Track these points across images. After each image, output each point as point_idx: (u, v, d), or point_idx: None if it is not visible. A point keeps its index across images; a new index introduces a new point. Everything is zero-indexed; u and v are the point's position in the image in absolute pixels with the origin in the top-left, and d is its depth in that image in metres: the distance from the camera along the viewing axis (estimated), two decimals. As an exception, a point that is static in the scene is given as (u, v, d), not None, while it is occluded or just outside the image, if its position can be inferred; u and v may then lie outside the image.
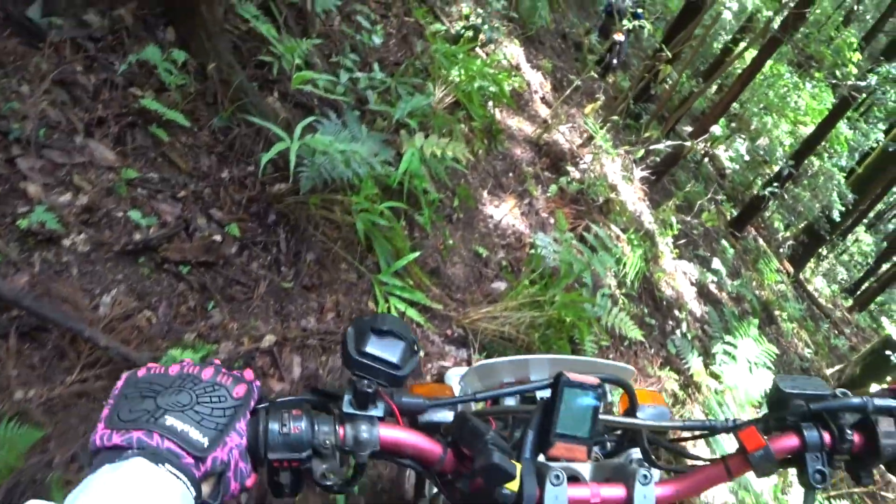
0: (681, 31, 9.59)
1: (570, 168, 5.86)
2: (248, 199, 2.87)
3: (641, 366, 4.55)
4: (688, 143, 7.11)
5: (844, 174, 13.56)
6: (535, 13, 8.98)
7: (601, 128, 6.14)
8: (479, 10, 6.77)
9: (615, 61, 11.48)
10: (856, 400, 0.86)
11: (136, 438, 0.61)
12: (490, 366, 1.17)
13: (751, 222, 12.22)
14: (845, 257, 19.68)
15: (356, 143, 2.76)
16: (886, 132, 11.84)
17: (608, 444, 1.04)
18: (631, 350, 4.59)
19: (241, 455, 0.68)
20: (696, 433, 0.99)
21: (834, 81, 8.54)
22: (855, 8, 14.63)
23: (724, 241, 10.03)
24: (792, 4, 7.56)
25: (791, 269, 13.16)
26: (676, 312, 5.88)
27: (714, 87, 8.74)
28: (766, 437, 0.85)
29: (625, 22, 9.34)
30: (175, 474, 0.60)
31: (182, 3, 2.88)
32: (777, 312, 9.74)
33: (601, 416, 0.85)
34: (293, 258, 2.89)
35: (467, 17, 6.09)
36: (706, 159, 11.10)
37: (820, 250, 15.50)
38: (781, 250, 14.92)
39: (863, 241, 19.46)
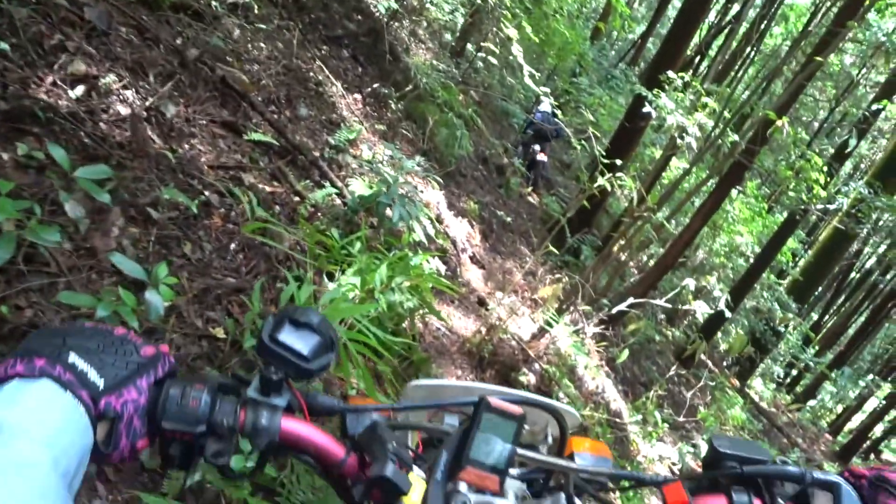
0: (621, 151, 8.33)
1: (522, 376, 4.08)
2: None
3: None
4: (659, 302, 5.55)
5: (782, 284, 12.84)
6: (454, 143, 7.47)
7: (559, 314, 4.45)
8: (389, 153, 5.10)
9: (539, 180, 10.65)
10: (793, 469, 0.78)
11: (39, 367, 0.61)
12: (428, 387, 1.04)
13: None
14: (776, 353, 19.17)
15: None
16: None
17: (536, 485, 0.91)
18: None
19: (137, 413, 0.66)
20: (624, 483, 0.88)
21: (804, 207, 7.33)
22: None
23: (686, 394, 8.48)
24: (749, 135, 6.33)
25: (738, 384, 12.69)
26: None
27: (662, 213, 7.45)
28: (691, 497, 0.79)
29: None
30: (77, 402, 0.61)
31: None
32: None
33: (522, 452, 0.81)
34: None
35: (376, 167, 4.35)
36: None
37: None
38: (725, 363, 14.35)
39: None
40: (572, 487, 0.85)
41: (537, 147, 10.44)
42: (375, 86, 6.64)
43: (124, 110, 2.77)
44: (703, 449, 7.07)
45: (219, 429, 0.69)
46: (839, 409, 19.62)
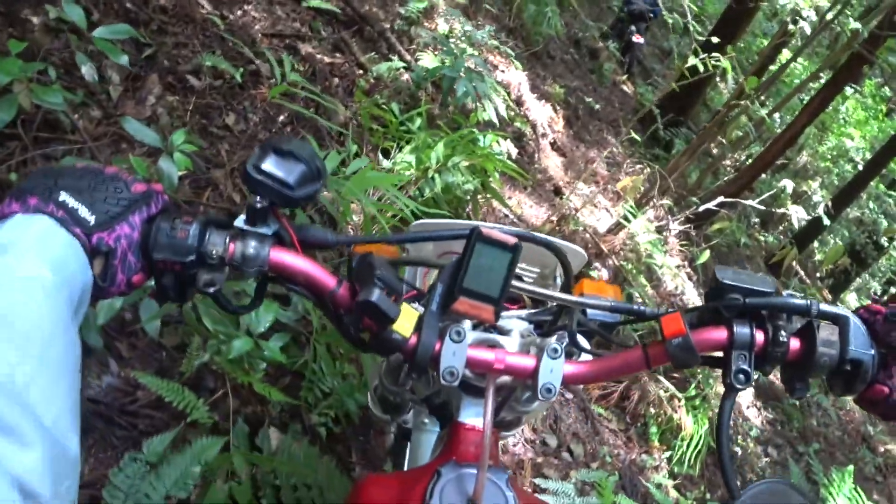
0: (727, 37, 7.52)
1: (593, 271, 3.85)
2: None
3: None
4: (750, 202, 5.12)
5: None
6: (542, 22, 6.91)
7: (639, 210, 4.12)
8: (465, 28, 4.72)
9: (634, 64, 9.98)
10: (798, 301, 0.73)
11: (33, 204, 0.62)
12: (433, 224, 1.07)
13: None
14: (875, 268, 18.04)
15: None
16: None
17: (544, 326, 0.88)
18: None
19: (130, 247, 0.67)
20: (623, 317, 0.87)
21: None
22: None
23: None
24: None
25: (829, 297, 11.79)
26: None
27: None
28: (691, 329, 0.73)
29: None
30: (72, 237, 0.62)
31: None
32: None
33: (518, 284, 0.79)
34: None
35: (445, 41, 4.02)
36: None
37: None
38: (818, 274, 13.51)
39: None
40: (575, 324, 0.82)
41: (633, 28, 9.60)
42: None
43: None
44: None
45: (209, 258, 0.69)
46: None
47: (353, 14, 3.61)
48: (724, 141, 6.63)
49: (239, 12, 2.83)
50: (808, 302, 0.73)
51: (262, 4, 3.01)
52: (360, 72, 3.37)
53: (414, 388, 0.89)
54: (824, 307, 0.73)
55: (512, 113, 5.07)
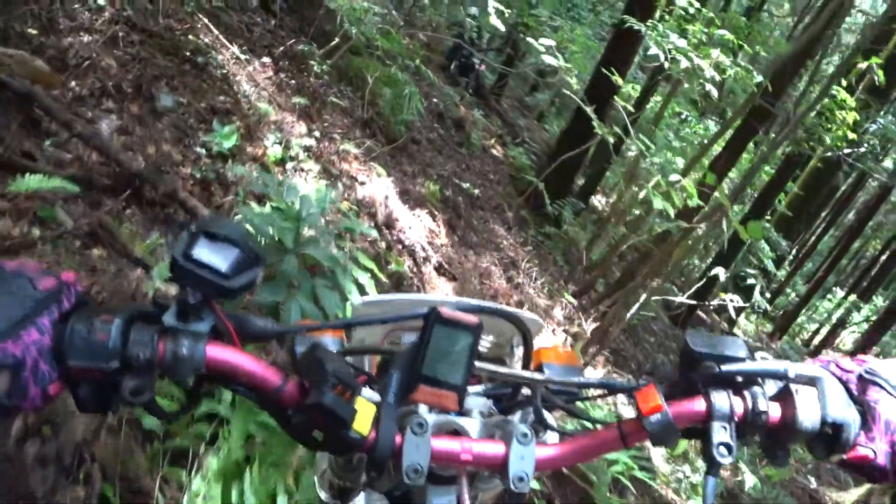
0: (601, 98, 6.80)
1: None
2: None
3: None
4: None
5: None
6: (403, 105, 5.83)
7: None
8: (307, 139, 3.50)
9: (477, 85, 9.80)
10: (773, 365, 0.70)
11: None
12: (379, 302, 1.00)
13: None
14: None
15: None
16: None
17: (504, 401, 0.85)
18: None
19: (42, 355, 0.57)
20: (594, 393, 0.81)
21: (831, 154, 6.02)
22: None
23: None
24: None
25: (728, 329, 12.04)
26: None
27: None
28: (667, 402, 0.69)
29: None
30: None
31: None
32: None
33: (482, 365, 0.74)
34: None
35: (276, 187, 2.74)
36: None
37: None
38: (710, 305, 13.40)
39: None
40: (540, 400, 0.79)
41: (474, 59, 9.51)
42: (291, 42, 4.94)
43: None
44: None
45: (134, 362, 0.59)
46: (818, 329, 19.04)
47: (123, 173, 2.29)
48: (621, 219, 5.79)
49: None
50: (784, 366, 0.70)
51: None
52: (140, 270, 2.04)
53: (372, 483, 0.72)
54: (800, 369, 0.70)
55: (382, 246, 3.88)
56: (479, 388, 0.84)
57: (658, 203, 3.75)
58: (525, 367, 0.83)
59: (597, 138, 5.14)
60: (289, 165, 3.41)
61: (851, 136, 5.58)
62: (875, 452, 0.66)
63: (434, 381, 0.67)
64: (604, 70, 6.90)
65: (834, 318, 18.55)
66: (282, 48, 4.81)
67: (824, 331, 18.14)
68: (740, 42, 4.63)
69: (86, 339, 0.58)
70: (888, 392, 0.68)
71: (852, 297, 17.69)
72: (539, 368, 0.84)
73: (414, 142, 6.35)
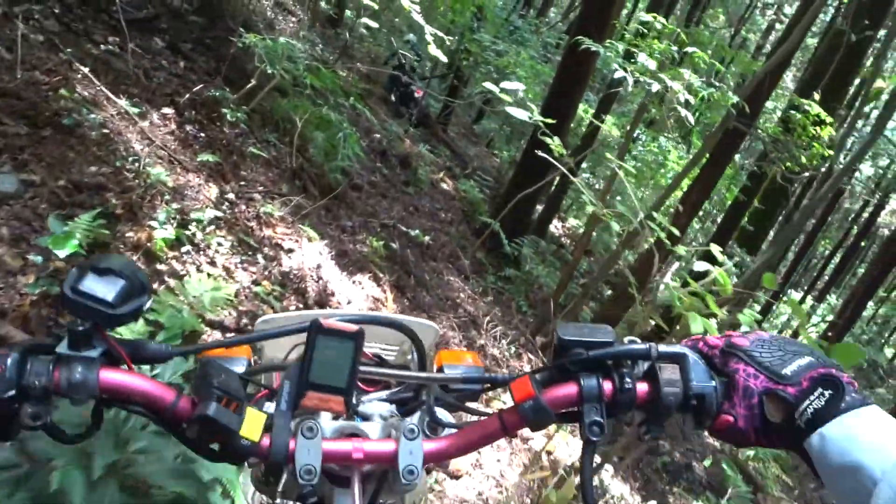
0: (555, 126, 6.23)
1: None
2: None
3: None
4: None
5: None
6: (337, 149, 5.14)
7: None
8: (208, 215, 2.79)
9: (418, 113, 9.14)
10: (637, 346, 0.74)
11: None
12: (275, 319, 1.00)
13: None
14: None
15: None
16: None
17: (408, 404, 0.90)
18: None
19: None
20: (476, 386, 0.86)
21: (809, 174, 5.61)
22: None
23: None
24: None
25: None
26: None
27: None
28: (541, 389, 0.74)
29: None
30: None
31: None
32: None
33: (366, 369, 0.79)
34: None
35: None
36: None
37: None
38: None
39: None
40: (432, 399, 0.83)
41: (411, 86, 8.95)
42: (201, 87, 4.21)
43: None
44: None
45: (32, 391, 0.63)
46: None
47: None
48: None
49: None
50: (648, 346, 0.73)
51: None
52: None
53: (285, 491, 0.83)
54: (663, 348, 0.74)
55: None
56: (382, 393, 0.89)
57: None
58: (421, 368, 0.89)
59: (556, 172, 4.53)
60: (185, 249, 2.67)
61: (828, 152, 5.12)
62: (735, 417, 0.70)
63: (320, 387, 0.72)
64: (556, 94, 6.36)
65: (794, 324, 18.38)
66: (188, 95, 4.08)
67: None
68: (712, 60, 4.09)
69: None
70: (745, 361, 0.71)
71: (809, 300, 17.61)
72: (440, 370, 0.88)
73: (354, 188, 5.66)
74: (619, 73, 3.65)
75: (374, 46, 10.42)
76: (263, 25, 6.37)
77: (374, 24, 5.42)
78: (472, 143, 12.61)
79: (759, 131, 4.78)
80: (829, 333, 14.64)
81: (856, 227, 18.99)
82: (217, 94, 4.23)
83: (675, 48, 3.98)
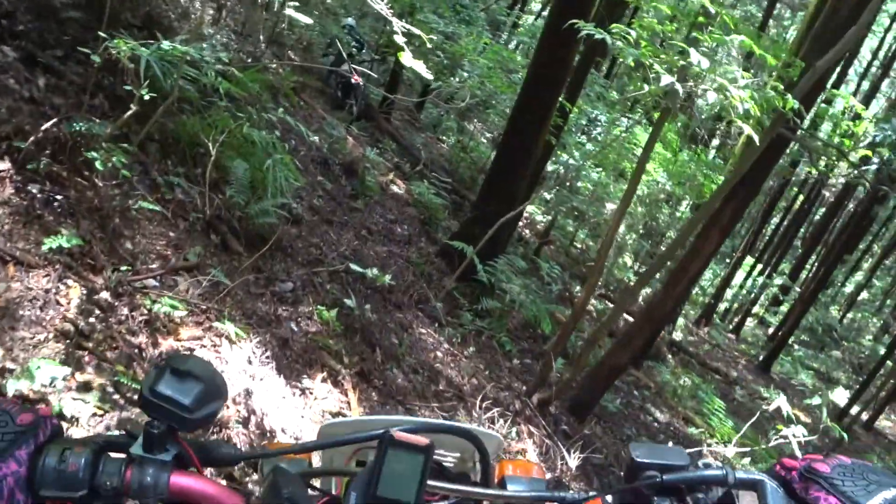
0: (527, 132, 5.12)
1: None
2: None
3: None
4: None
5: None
6: (267, 179, 3.87)
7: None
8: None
9: (360, 105, 7.94)
10: (714, 472, 0.70)
11: None
12: (342, 424, 1.02)
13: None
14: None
15: None
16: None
17: None
18: None
19: (18, 485, 0.60)
20: None
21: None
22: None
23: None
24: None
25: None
26: None
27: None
28: None
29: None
30: None
31: None
32: None
33: (435, 483, 0.75)
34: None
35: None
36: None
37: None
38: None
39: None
40: None
41: (349, 72, 7.61)
42: (59, 120, 2.87)
43: None
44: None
45: (103, 491, 0.62)
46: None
47: None
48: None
49: None
50: (725, 471, 0.70)
51: None
52: None
53: None
54: (740, 475, 0.70)
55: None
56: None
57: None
58: (484, 481, 0.86)
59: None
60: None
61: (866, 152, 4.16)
62: None
63: (388, 502, 0.67)
64: (534, 82, 5.20)
65: (751, 294, 18.04)
66: (40, 132, 2.76)
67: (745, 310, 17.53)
68: (765, 54, 3.01)
69: (56, 469, 0.60)
70: (827, 490, 0.68)
71: (759, 268, 17.31)
72: (502, 482, 0.87)
73: (294, 222, 4.41)
74: (665, 80, 2.52)
75: (306, 31, 9.01)
76: (175, 16, 4.94)
77: (308, 20, 4.10)
78: (418, 130, 11.36)
79: (810, 138, 3.77)
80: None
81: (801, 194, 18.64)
82: (83, 127, 2.89)
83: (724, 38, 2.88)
